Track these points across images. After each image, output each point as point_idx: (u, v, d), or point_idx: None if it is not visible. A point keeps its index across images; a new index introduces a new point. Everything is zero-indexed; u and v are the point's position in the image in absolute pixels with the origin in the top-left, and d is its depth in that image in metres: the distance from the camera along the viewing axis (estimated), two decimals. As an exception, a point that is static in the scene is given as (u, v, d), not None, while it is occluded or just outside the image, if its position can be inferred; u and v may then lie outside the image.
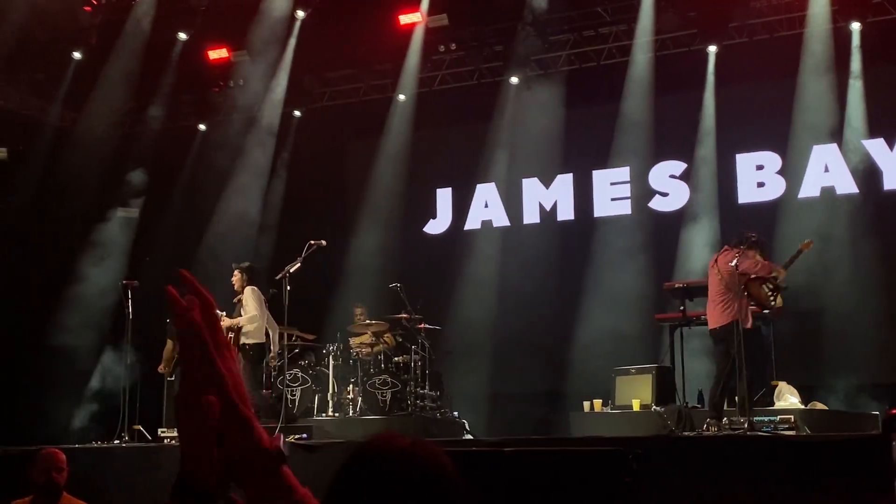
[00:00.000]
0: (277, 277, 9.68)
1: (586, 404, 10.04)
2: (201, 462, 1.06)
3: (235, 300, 10.22)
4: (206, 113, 13.81)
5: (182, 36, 12.80)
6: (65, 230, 13.29)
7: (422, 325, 10.90)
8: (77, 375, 12.47)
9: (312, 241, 9.73)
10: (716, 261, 8.84)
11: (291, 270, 9.60)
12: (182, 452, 1.08)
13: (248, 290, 10.08)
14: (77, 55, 12.99)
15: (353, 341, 11.30)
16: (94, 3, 12.61)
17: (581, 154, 12.53)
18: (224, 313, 10.03)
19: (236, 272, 10.24)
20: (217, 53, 12.95)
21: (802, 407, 8.80)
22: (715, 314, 8.66)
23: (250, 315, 10.01)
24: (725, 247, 8.92)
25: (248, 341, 10.01)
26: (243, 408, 1.07)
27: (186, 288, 1.11)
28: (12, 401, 11.09)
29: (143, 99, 13.56)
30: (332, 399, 10.69)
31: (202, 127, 14.00)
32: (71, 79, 13.20)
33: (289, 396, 10.52)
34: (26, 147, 13.15)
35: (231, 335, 9.90)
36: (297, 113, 13.71)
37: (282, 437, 1.12)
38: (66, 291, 12.71)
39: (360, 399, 10.56)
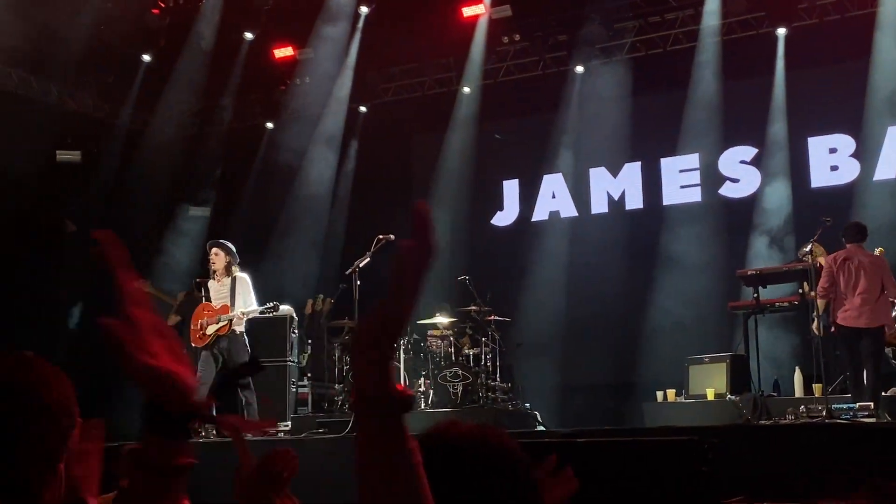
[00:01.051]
0: (348, 272, 9.79)
1: (659, 394, 10.06)
2: (168, 381, 1.08)
3: (218, 280, 9.73)
4: (273, 111, 14.10)
5: (248, 36, 13.08)
6: (137, 229, 13.69)
7: (491, 317, 11.01)
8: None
9: (381, 236, 9.80)
10: (850, 259, 8.70)
11: (361, 265, 9.71)
12: (147, 376, 1.10)
13: (243, 275, 9.75)
14: (146, 57, 13.33)
15: (433, 332, 11.48)
16: (162, 5, 12.95)
17: (649, 142, 12.51)
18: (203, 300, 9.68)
19: (217, 251, 9.69)
20: (283, 52, 13.20)
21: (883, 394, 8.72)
22: (876, 313, 8.60)
23: (253, 302, 9.71)
24: (850, 244, 8.74)
25: (239, 328, 9.70)
26: (390, 346, 1.08)
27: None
28: (99, 397, 11.50)
29: (212, 99, 13.90)
30: None
31: (269, 125, 14.28)
32: (141, 81, 13.57)
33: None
34: (98, 150, 13.58)
35: (223, 325, 9.54)
36: (362, 108, 13.92)
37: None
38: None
39: (431, 392, 10.71)
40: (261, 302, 9.68)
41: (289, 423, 10.22)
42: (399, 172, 14.00)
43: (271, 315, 9.88)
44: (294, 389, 11.25)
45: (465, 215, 13.28)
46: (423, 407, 10.66)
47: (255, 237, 13.47)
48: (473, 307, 11.13)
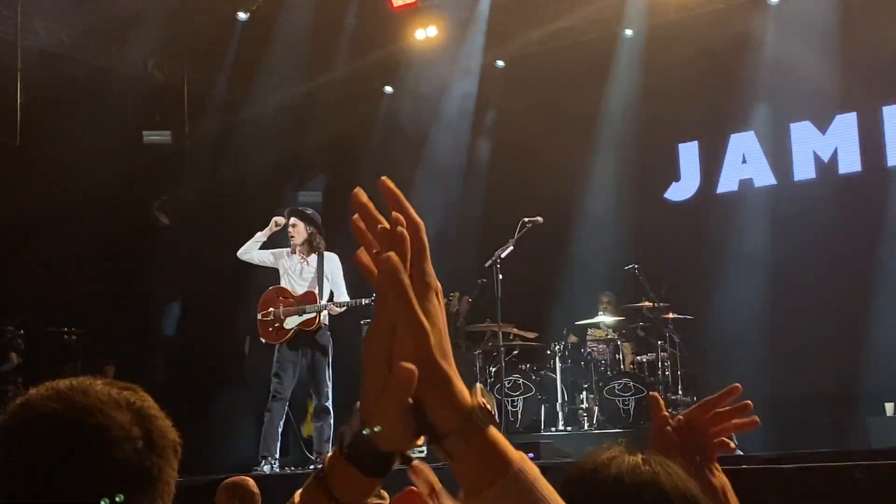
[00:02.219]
0: (487, 264, 9.80)
1: (889, 407, 9.66)
2: (388, 425, 1.11)
3: (300, 257, 9.63)
4: (392, 72, 14.20)
5: (360, -17, 13.22)
6: (239, 220, 14.03)
7: (669, 315, 10.84)
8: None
9: (527, 219, 9.77)
10: None
11: (503, 255, 9.69)
12: (365, 408, 1.12)
13: (332, 255, 9.67)
14: (242, 15, 13.60)
15: (594, 333, 11.38)
16: (258, -47, 13.24)
17: (866, 86, 11.96)
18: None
19: (295, 221, 9.64)
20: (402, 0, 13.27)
21: None
22: None
23: (344, 290, 9.59)
24: None
25: (326, 322, 9.58)
26: (445, 366, 1.11)
27: (390, 202, 1.18)
28: (201, 426, 11.85)
29: (320, 62, 14.09)
30: (563, 409, 10.85)
31: (389, 89, 14.39)
32: (237, 46, 13.92)
33: (509, 408, 10.71)
34: (190, 128, 13.99)
35: (309, 317, 9.42)
36: (499, 63, 13.86)
37: (479, 389, 1.17)
38: (248, 296, 13.39)
39: (596, 409, 10.65)
40: (353, 294, 9.65)
41: (423, 449, 10.28)
42: (546, 140, 13.85)
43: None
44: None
45: (631, 189, 13.11)
46: (587, 427, 10.58)
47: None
48: (646, 303, 11.02)
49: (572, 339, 11.63)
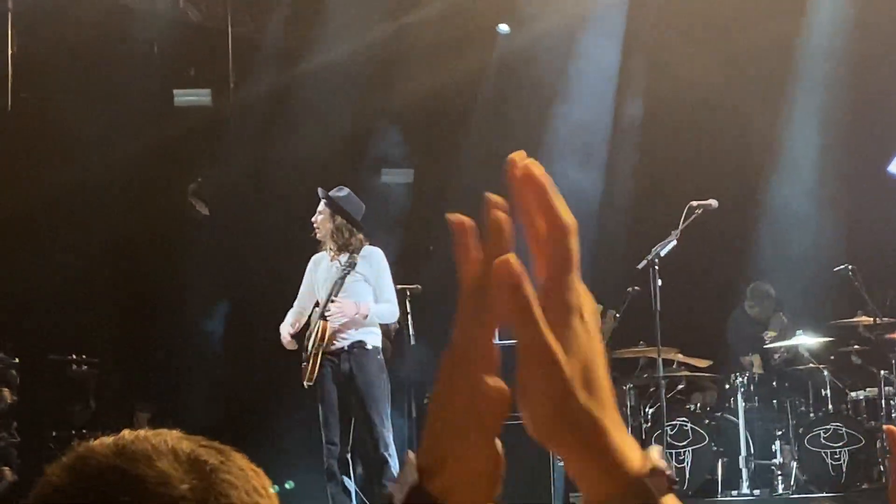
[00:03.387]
0: (640, 266, 9.79)
1: None
2: (464, 470, 1.12)
3: (331, 256, 9.63)
4: (507, 4, 14.14)
5: None
6: (303, 206, 14.06)
7: (896, 336, 10.66)
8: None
9: (695, 202, 9.72)
10: None
11: (663, 253, 9.66)
12: (428, 451, 1.13)
13: (373, 249, 9.62)
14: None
15: (790, 360, 11.24)
16: None
17: None
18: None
19: (321, 209, 9.72)
20: None
21: None
22: None
23: (393, 293, 9.63)
24: None
25: (374, 343, 9.51)
26: (592, 408, 1.10)
27: (528, 192, 1.19)
28: (259, 439, 11.91)
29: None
30: (748, 466, 10.77)
31: (503, 28, 14.33)
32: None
33: (674, 463, 10.59)
34: (239, 83, 14.07)
35: (325, 332, 9.42)
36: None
37: (655, 450, 1.14)
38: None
39: (794, 465, 10.61)
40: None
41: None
42: (718, 95, 13.61)
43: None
44: (562, 462, 11.22)
45: (839, 161, 12.91)
46: (781, 490, 10.48)
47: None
48: (863, 318, 10.94)
49: (756, 367, 11.50)
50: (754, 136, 13.12)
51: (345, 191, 9.83)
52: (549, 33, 13.81)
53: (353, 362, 9.42)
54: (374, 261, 9.53)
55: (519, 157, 1.20)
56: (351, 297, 9.38)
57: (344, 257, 9.52)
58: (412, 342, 11.17)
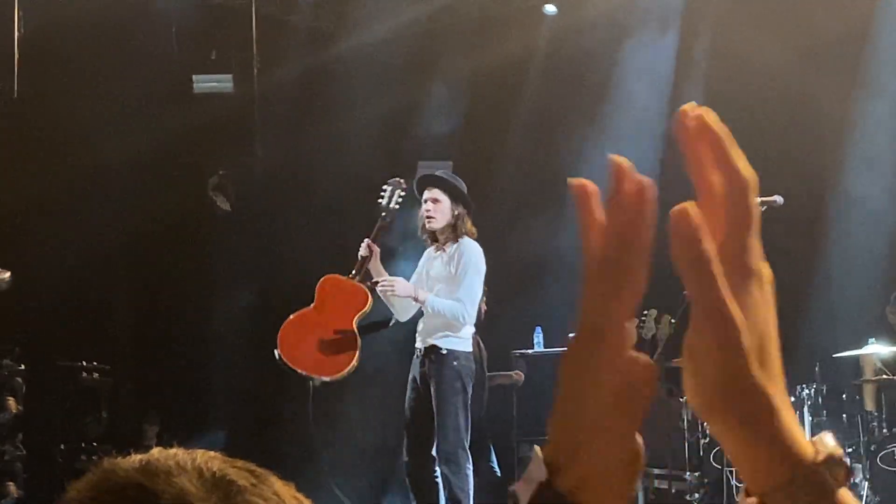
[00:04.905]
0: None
1: None
2: (603, 463, 1.11)
3: (436, 248, 9.55)
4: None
5: None
6: (334, 201, 14.03)
7: None
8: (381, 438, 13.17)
9: (759, 199, 9.47)
10: None
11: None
12: (558, 446, 1.13)
13: (473, 244, 9.46)
14: None
15: (867, 376, 11.18)
16: None
17: None
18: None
19: (438, 195, 9.51)
20: None
21: None
22: None
23: (473, 294, 9.44)
24: None
25: (450, 346, 9.39)
26: (767, 386, 1.09)
27: (709, 145, 1.15)
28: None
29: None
30: None
31: (550, 8, 14.28)
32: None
33: (734, 482, 10.56)
34: (264, 67, 14.03)
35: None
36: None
37: (828, 435, 1.13)
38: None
39: (866, 484, 10.56)
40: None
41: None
42: (786, 78, 13.50)
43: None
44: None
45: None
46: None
47: (526, 202, 13.49)
48: None
49: (828, 382, 11.45)
50: (825, 128, 13.01)
51: (445, 170, 9.88)
52: (599, 14, 13.78)
53: (427, 366, 9.42)
54: (465, 257, 9.36)
55: (690, 107, 1.16)
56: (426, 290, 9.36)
57: (451, 248, 9.44)
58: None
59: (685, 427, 11.14)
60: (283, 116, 14.22)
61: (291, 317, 9.55)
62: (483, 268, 9.42)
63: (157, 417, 13.12)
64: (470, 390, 9.50)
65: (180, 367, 13.72)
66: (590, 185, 1.19)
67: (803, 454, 1.08)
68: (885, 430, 10.78)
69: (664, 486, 11.59)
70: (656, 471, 11.71)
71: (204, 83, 13.85)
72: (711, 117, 1.15)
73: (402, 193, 9.69)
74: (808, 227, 12.51)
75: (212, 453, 1.61)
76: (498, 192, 13.60)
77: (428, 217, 9.42)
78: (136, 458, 1.61)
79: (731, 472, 10.65)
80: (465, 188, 9.64)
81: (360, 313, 9.34)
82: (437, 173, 9.74)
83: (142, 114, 12.80)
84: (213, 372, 13.94)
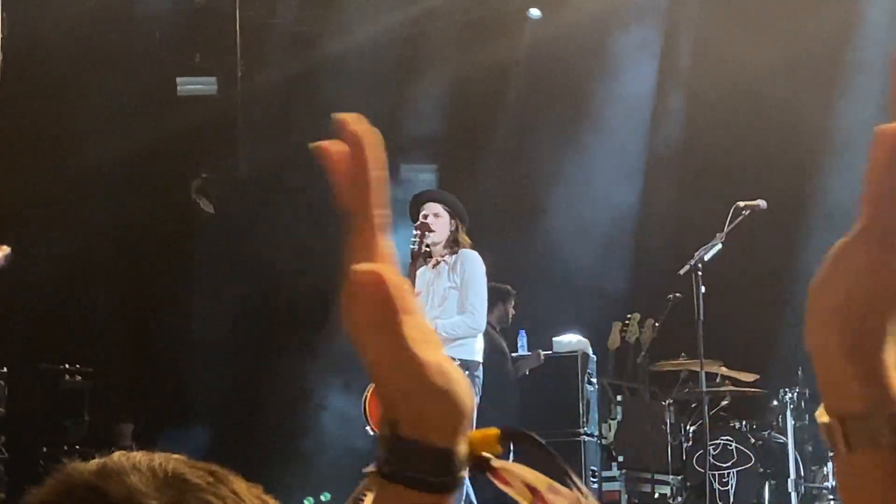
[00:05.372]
0: (683, 271, 9.75)
1: None
2: (440, 393, 1.20)
3: (432, 264, 9.50)
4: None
5: None
6: (317, 204, 14.02)
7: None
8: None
9: (742, 203, 9.67)
10: None
11: (708, 257, 9.61)
12: (388, 391, 1.21)
13: (472, 253, 9.48)
14: None
15: None
16: None
17: None
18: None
19: (439, 209, 9.54)
20: None
21: None
22: None
23: (481, 300, 9.43)
24: None
25: (462, 357, 9.19)
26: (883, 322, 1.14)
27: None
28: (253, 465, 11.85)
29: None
30: (797, 489, 10.74)
31: (534, 13, 14.30)
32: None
33: (717, 486, 10.56)
34: (248, 70, 14.05)
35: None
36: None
37: None
38: (332, 313, 13.38)
39: None
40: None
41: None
42: (768, 86, 13.53)
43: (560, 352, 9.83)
44: (595, 485, 11.39)
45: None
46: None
47: (510, 209, 13.49)
48: None
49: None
50: (808, 132, 13.03)
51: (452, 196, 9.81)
52: (584, 19, 13.77)
53: None
54: (466, 265, 9.39)
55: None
56: (435, 307, 9.27)
57: (450, 260, 9.44)
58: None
59: (668, 430, 11.12)
60: (267, 119, 14.21)
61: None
62: (484, 273, 9.44)
63: (138, 420, 13.10)
64: (478, 400, 9.46)
65: (163, 370, 13.70)
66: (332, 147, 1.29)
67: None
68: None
69: (647, 489, 11.58)
70: (639, 474, 11.73)
71: (188, 86, 13.84)
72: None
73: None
74: (791, 231, 12.52)
75: (176, 456, 1.61)
76: (480, 196, 13.61)
77: (428, 231, 9.43)
78: (95, 462, 1.61)
79: (713, 475, 10.65)
80: (460, 204, 9.66)
81: None
82: (437, 192, 9.79)
83: (125, 116, 12.77)
84: (196, 375, 13.92)
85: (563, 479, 1.31)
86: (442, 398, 1.21)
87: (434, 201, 9.57)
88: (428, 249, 9.39)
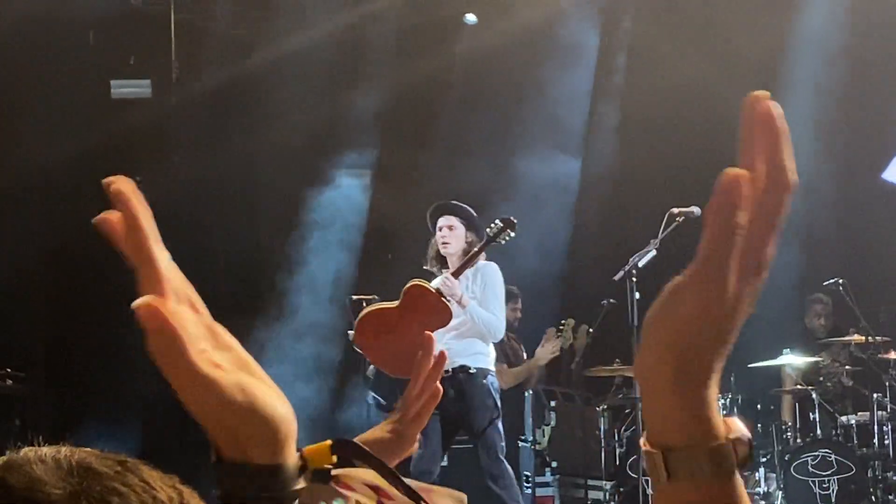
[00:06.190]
0: (617, 277, 9.76)
1: None
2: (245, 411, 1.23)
3: (448, 275, 9.35)
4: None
5: None
6: (252, 209, 14.03)
7: (890, 355, 10.77)
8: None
9: (676, 210, 9.70)
10: None
11: (641, 263, 9.64)
12: (212, 397, 1.24)
13: (491, 265, 9.60)
14: None
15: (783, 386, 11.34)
16: None
17: None
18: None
19: (454, 222, 9.54)
20: None
21: None
22: None
23: (500, 312, 9.55)
24: None
25: (479, 365, 9.46)
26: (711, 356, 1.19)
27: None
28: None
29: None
30: None
31: (471, 18, 14.34)
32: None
33: (650, 492, 10.61)
34: (183, 73, 14.03)
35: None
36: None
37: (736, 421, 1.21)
38: (262, 311, 13.38)
39: (780, 494, 10.67)
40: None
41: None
42: (704, 92, 13.65)
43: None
44: (529, 490, 11.39)
45: (830, 167, 12.93)
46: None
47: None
48: (855, 336, 11.00)
49: (742, 395, 11.55)
50: (739, 139, 13.13)
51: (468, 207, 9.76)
52: (520, 25, 13.79)
53: (455, 388, 9.33)
54: (486, 278, 9.43)
55: (763, 95, 1.25)
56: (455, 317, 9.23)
57: (469, 271, 9.40)
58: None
59: (602, 436, 11.16)
60: (202, 123, 14.13)
61: (373, 307, 9.42)
62: (502, 284, 9.52)
63: (70, 425, 13.06)
64: (500, 405, 9.56)
65: (97, 375, 13.65)
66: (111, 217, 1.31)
67: (717, 426, 1.17)
68: (798, 440, 10.90)
69: (580, 494, 11.61)
70: (573, 479, 11.79)
71: (122, 88, 13.78)
72: (778, 111, 1.23)
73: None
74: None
75: (86, 449, 1.61)
76: (416, 204, 13.62)
77: (444, 243, 9.48)
78: (0, 457, 1.60)
79: (646, 480, 10.71)
80: (476, 216, 9.65)
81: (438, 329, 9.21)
82: (451, 202, 9.79)
83: (59, 118, 12.70)
84: (129, 378, 13.89)
85: (397, 484, 1.37)
86: (247, 415, 1.23)
87: (449, 214, 9.56)
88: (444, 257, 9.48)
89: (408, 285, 9.15)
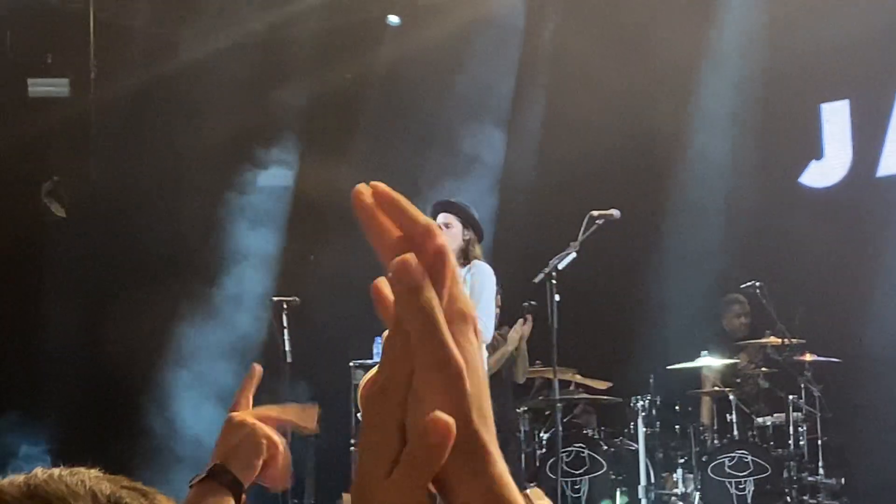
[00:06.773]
0: (537, 280, 9.76)
1: None
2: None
3: None
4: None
5: None
6: (170, 209, 13.94)
7: (806, 357, 10.80)
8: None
9: (596, 212, 9.70)
10: None
11: (561, 266, 9.64)
12: (360, 499, 1.10)
13: (484, 266, 9.52)
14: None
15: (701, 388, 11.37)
16: None
17: None
18: None
19: (450, 219, 9.50)
20: None
21: None
22: None
23: (490, 314, 9.49)
24: None
25: None
26: (484, 435, 1.08)
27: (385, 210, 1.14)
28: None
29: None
30: (648, 495, 10.86)
31: (393, 20, 14.35)
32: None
33: (569, 493, 10.69)
34: (101, 72, 13.91)
35: None
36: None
37: (535, 493, 1.20)
38: (185, 314, 13.27)
39: (697, 494, 10.66)
40: None
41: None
42: (626, 97, 13.73)
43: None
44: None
45: (750, 171, 13.02)
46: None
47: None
48: (771, 338, 11.03)
49: (660, 397, 11.56)
50: (660, 143, 13.15)
51: (450, 199, 9.79)
52: (442, 27, 13.79)
53: None
54: (477, 278, 9.31)
55: (363, 187, 1.17)
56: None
57: (463, 270, 9.24)
58: (289, 359, 11.18)
59: (522, 438, 11.14)
60: (121, 122, 14.02)
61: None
62: (494, 287, 9.44)
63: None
64: None
65: (9, 377, 13.52)
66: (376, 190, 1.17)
67: (511, 500, 1.08)
68: (716, 442, 10.95)
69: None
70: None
71: (39, 87, 13.69)
72: (382, 186, 1.15)
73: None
74: (643, 241, 12.64)
75: (94, 473, 1.64)
76: (338, 207, 13.60)
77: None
78: (20, 482, 1.61)
79: (566, 482, 10.76)
80: (476, 214, 9.65)
81: None
82: (450, 199, 9.75)
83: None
84: (44, 380, 13.79)
85: None
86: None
87: (445, 211, 9.50)
88: None
89: None
